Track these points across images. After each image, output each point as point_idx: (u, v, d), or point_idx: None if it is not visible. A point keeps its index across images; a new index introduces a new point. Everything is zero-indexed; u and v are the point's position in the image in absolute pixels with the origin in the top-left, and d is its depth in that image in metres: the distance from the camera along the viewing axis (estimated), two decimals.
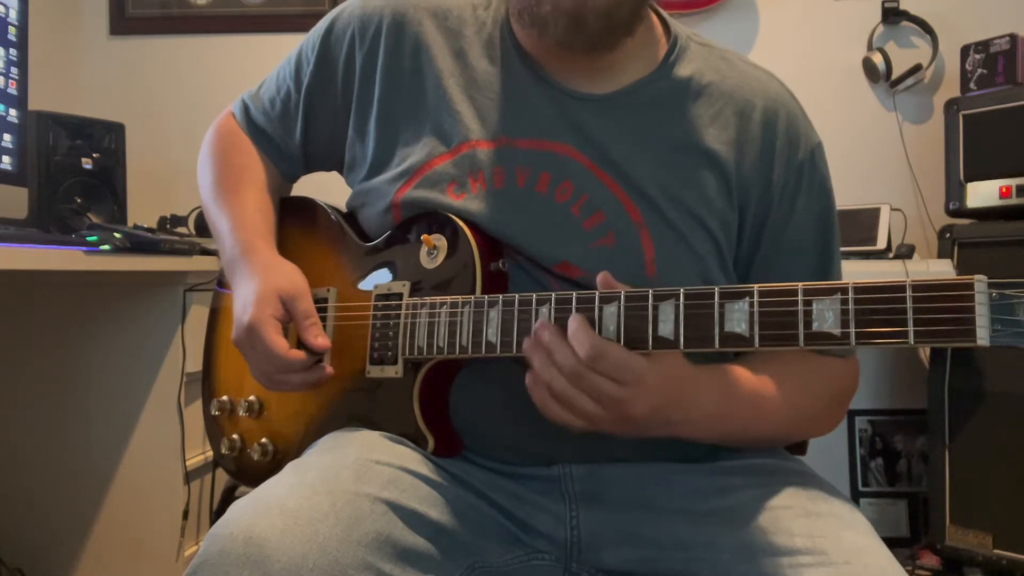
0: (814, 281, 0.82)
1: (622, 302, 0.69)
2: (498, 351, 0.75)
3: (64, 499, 1.82)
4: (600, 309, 0.70)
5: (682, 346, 0.67)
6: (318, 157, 1.01)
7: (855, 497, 2.17)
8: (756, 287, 0.64)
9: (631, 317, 0.69)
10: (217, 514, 1.83)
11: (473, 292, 0.80)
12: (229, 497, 1.85)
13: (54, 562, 1.82)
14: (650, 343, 0.68)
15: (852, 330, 0.59)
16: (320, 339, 0.86)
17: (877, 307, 0.59)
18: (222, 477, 1.94)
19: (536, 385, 0.71)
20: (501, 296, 0.76)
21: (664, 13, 0.93)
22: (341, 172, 0.98)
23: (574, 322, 0.69)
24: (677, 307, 0.67)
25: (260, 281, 0.87)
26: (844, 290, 0.60)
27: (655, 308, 0.68)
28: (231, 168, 1.01)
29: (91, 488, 1.82)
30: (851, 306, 0.60)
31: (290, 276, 0.89)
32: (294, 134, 0.99)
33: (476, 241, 0.82)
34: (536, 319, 0.73)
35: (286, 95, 0.99)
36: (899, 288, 0.58)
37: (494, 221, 0.83)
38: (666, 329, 0.67)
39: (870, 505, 2.18)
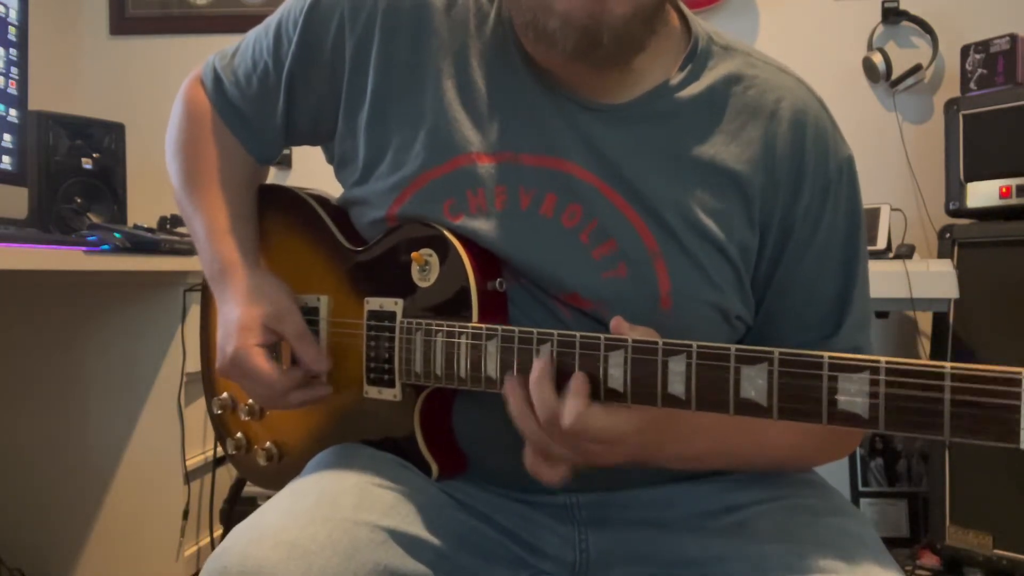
0: (834, 309, 0.80)
1: (629, 352, 0.65)
2: (498, 387, 0.71)
3: (64, 499, 1.82)
4: (605, 357, 0.65)
5: (694, 407, 0.62)
6: (299, 138, 0.93)
7: (855, 497, 2.17)
8: (776, 352, 0.58)
9: (639, 370, 0.64)
10: (225, 513, 1.84)
11: (469, 314, 0.75)
12: (238, 492, 1.86)
13: (54, 562, 1.82)
14: (659, 400, 0.63)
15: (881, 416, 0.54)
16: (321, 362, 0.84)
17: (910, 393, 0.53)
18: (223, 477, 1.94)
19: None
20: (500, 329, 0.72)
21: (685, 9, 0.84)
22: (323, 147, 0.93)
23: (571, 396, 0.65)
24: (689, 365, 0.62)
25: (241, 307, 0.84)
26: (875, 368, 0.54)
27: (664, 364, 0.63)
28: (203, 160, 0.92)
29: (91, 488, 1.82)
30: (881, 388, 0.54)
31: (273, 297, 0.85)
32: (274, 116, 0.90)
33: (469, 259, 0.76)
34: (537, 357, 0.69)
35: (263, 73, 0.89)
36: (937, 374, 0.52)
37: (495, 245, 0.78)
38: (677, 388, 0.62)
39: (870, 505, 2.18)
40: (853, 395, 0.55)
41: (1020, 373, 0.49)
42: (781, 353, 0.58)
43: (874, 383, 0.55)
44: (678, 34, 0.83)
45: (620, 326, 0.67)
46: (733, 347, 0.61)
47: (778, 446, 0.79)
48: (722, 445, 0.77)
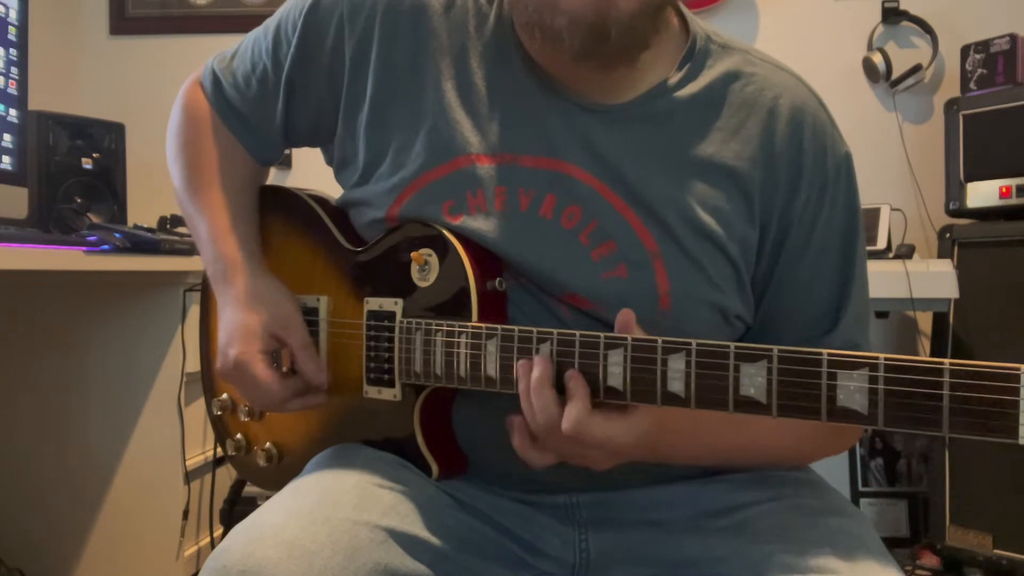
0: (832, 306, 0.80)
1: (628, 351, 0.65)
2: (498, 386, 0.72)
3: (64, 499, 1.82)
4: (605, 356, 0.66)
5: (693, 405, 0.62)
6: (299, 140, 0.93)
7: (855, 497, 2.17)
8: (776, 349, 0.59)
9: (638, 369, 0.64)
10: (226, 513, 1.84)
11: (469, 314, 0.75)
12: (238, 492, 1.86)
13: (54, 562, 1.82)
14: (659, 399, 0.64)
15: (880, 411, 0.55)
16: (320, 377, 0.85)
17: (909, 389, 0.54)
18: (223, 477, 1.94)
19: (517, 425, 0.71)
20: (500, 328, 0.72)
21: (684, 9, 0.84)
22: (323, 149, 0.93)
23: (571, 399, 0.66)
24: (689, 363, 0.62)
25: (245, 311, 0.84)
26: (874, 365, 0.55)
27: (664, 362, 0.63)
28: (204, 161, 0.92)
29: (91, 488, 1.82)
30: (880, 385, 0.55)
31: (276, 303, 0.86)
32: (273, 118, 0.90)
33: (469, 259, 0.76)
34: (538, 357, 0.69)
35: (262, 74, 0.89)
36: (936, 371, 0.53)
37: (494, 246, 0.78)
38: (676, 386, 0.63)
39: (870, 505, 2.18)
40: (852, 392, 0.56)
41: (1019, 369, 0.50)
42: (780, 350, 0.59)
43: (873, 380, 0.55)
44: (677, 34, 0.83)
45: (628, 318, 0.67)
46: (732, 345, 0.61)
47: (776, 445, 0.80)
48: (721, 444, 0.77)
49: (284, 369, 0.86)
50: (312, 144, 0.94)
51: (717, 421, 0.72)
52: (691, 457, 0.78)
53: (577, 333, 0.67)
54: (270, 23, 0.90)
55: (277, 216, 0.96)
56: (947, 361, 0.52)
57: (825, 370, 0.57)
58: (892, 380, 0.54)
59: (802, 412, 0.58)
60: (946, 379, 0.52)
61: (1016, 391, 0.50)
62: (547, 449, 0.70)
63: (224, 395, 0.99)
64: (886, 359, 0.55)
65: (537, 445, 0.70)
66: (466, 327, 0.74)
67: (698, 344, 0.62)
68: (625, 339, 0.65)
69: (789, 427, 0.77)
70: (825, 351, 0.57)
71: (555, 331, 0.69)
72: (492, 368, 0.72)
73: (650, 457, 0.73)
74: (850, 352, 0.57)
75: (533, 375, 0.68)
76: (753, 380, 0.60)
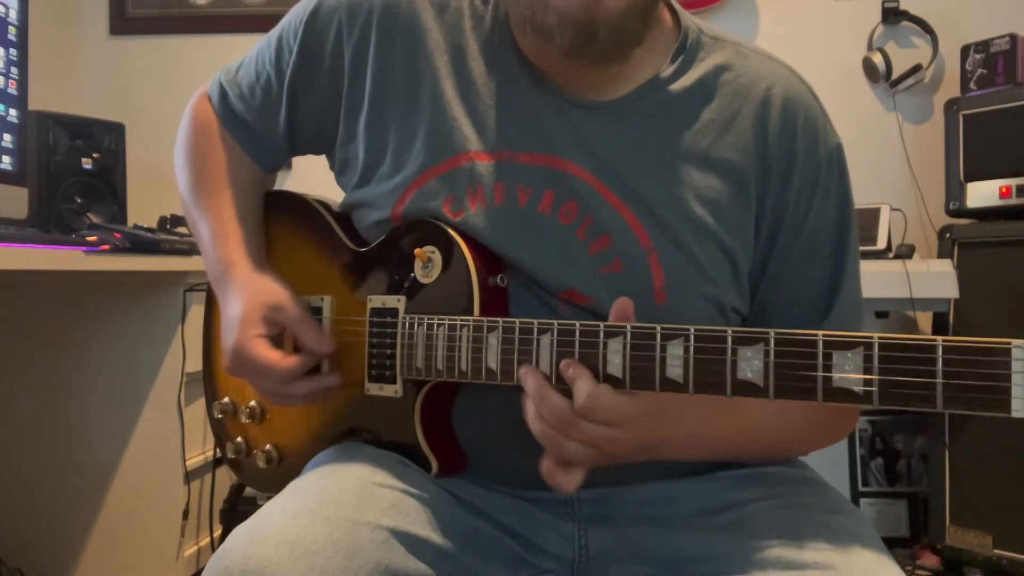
0: (825, 294, 0.81)
1: (628, 338, 0.66)
2: (499, 379, 0.73)
3: (64, 499, 1.82)
4: (604, 344, 0.67)
5: (691, 390, 0.63)
6: (303, 147, 0.95)
7: (855, 497, 2.17)
8: (772, 332, 0.60)
9: (637, 356, 0.66)
10: (226, 513, 1.84)
11: (471, 309, 0.76)
12: (238, 495, 1.86)
13: (54, 562, 1.82)
14: (657, 384, 0.65)
15: (875, 390, 0.56)
16: (323, 343, 0.84)
17: (903, 367, 0.55)
18: (222, 477, 1.94)
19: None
20: (501, 321, 0.73)
21: (675, 3, 0.86)
22: (327, 155, 0.94)
23: (578, 379, 0.67)
24: (687, 348, 0.63)
25: (242, 302, 0.85)
26: (868, 344, 0.56)
27: (663, 348, 0.64)
28: (210, 167, 0.95)
29: (91, 488, 1.82)
30: (875, 363, 0.56)
31: (272, 290, 0.86)
32: (277, 125, 0.92)
33: (472, 255, 0.78)
34: (537, 348, 0.70)
35: (266, 83, 0.92)
36: (929, 348, 0.54)
37: (494, 242, 0.79)
38: (675, 371, 0.64)
39: (870, 505, 2.18)
40: (848, 372, 0.57)
41: (1010, 343, 0.51)
42: (777, 333, 0.60)
43: (868, 359, 0.56)
44: (668, 28, 0.84)
45: (626, 310, 0.68)
46: (730, 329, 0.62)
47: (772, 426, 0.80)
48: (722, 422, 0.78)
49: (290, 361, 0.86)
50: (316, 151, 0.96)
51: (715, 403, 0.72)
52: (695, 435, 0.78)
53: (577, 324, 0.68)
54: (273, 34, 0.93)
55: (282, 219, 0.97)
56: (940, 338, 0.53)
57: (821, 351, 0.58)
58: (886, 359, 0.55)
59: (798, 393, 0.59)
60: (939, 355, 0.53)
61: (1007, 365, 0.51)
62: (572, 461, 0.70)
63: (225, 398, 0.99)
64: (880, 338, 0.56)
65: (565, 466, 0.71)
66: (467, 321, 0.75)
67: (696, 330, 0.63)
68: (624, 327, 0.66)
69: (785, 411, 0.78)
70: (820, 332, 0.58)
71: (555, 322, 0.70)
72: (493, 361, 0.73)
73: (661, 435, 0.74)
74: (845, 333, 0.58)
75: (529, 386, 0.69)
76: (750, 363, 0.61)
